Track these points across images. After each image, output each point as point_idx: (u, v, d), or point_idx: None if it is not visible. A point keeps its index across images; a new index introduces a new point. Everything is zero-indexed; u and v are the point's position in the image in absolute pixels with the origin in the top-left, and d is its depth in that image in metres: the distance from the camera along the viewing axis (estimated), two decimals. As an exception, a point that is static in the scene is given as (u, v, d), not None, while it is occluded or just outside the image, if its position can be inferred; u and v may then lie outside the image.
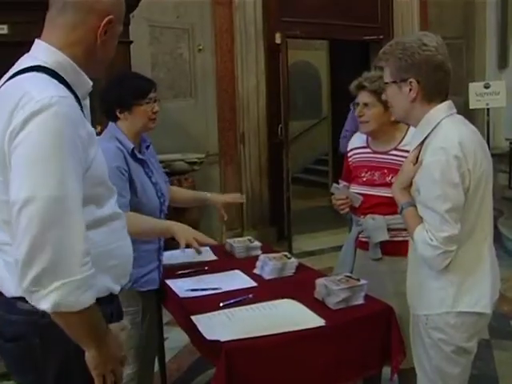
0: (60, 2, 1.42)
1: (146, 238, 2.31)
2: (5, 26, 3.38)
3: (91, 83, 1.51)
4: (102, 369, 1.43)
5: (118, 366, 1.48)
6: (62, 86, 1.38)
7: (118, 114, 2.38)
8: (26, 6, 3.13)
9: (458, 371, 1.89)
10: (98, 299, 1.39)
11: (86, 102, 1.55)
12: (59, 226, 1.27)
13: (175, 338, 3.44)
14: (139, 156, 2.40)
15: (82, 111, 1.46)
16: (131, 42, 3.82)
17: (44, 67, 1.39)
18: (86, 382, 1.46)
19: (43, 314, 1.33)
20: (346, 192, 2.52)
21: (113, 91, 2.38)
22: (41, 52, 1.43)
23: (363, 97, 2.43)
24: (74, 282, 1.28)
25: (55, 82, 1.37)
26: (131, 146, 2.35)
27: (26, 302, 1.34)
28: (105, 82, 2.47)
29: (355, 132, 3.36)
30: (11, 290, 1.43)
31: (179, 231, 2.22)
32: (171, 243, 2.38)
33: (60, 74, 1.40)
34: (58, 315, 1.31)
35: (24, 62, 1.43)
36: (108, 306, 1.52)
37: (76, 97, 1.43)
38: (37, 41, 1.45)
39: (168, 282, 2.41)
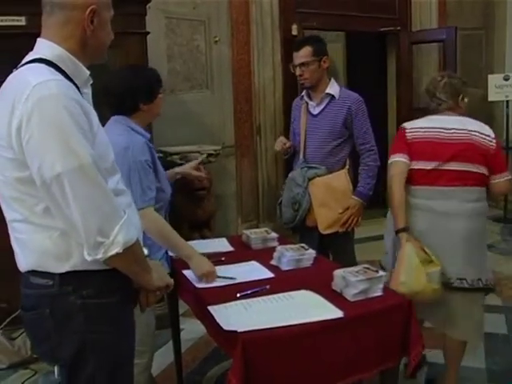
0: (48, 6, 1.57)
1: (162, 244, 2.37)
2: (23, 18, 3.38)
3: (88, 72, 1.64)
4: (152, 287, 1.71)
5: (161, 287, 1.75)
6: (58, 73, 1.50)
7: (141, 106, 2.36)
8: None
9: None
10: (101, 271, 1.55)
11: (88, 91, 1.67)
12: (91, 186, 1.45)
13: (191, 329, 3.46)
14: (152, 145, 2.42)
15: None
16: (148, 33, 3.81)
17: (43, 59, 1.53)
18: (103, 364, 1.58)
19: (51, 286, 1.53)
20: None
21: (135, 83, 2.35)
22: (41, 48, 1.58)
23: None
24: (125, 222, 1.50)
25: (52, 70, 1.50)
26: (148, 135, 2.39)
27: (37, 276, 1.55)
28: (116, 75, 2.45)
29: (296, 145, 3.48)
30: (22, 265, 1.60)
31: (195, 266, 2.33)
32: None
33: (59, 65, 1.54)
34: (124, 255, 1.49)
35: (27, 57, 1.58)
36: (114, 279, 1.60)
37: (75, 85, 1.55)
38: (38, 39, 1.60)
39: (184, 272, 2.41)
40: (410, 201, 2.73)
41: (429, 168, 2.69)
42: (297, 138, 3.43)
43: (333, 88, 3.30)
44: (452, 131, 2.69)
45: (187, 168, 2.83)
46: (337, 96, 3.28)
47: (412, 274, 2.49)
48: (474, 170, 2.65)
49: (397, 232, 2.66)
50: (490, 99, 5.93)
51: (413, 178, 2.73)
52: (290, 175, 3.42)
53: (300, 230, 3.39)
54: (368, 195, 3.29)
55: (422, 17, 6.29)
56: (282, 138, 3.51)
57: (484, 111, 5.83)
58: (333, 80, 3.35)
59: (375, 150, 3.30)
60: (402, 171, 2.72)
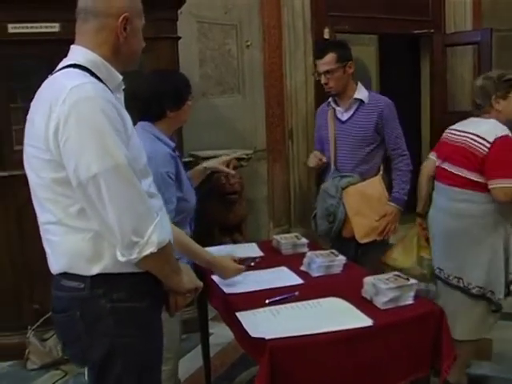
0: (82, 13, 1.63)
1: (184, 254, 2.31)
2: (57, 25, 3.43)
3: (121, 77, 1.67)
4: (183, 289, 1.73)
5: (191, 290, 1.78)
6: (92, 78, 1.54)
7: (168, 112, 2.34)
8: (77, 4, 3.17)
9: None
10: (131, 274, 1.57)
11: (120, 96, 1.70)
12: (126, 186, 1.48)
13: (220, 334, 3.45)
14: (177, 153, 2.39)
15: None
16: (179, 37, 3.83)
17: (77, 64, 1.57)
18: (132, 367, 1.60)
19: (82, 289, 1.55)
20: None
21: (162, 88, 2.31)
22: (75, 54, 1.63)
23: None
24: (158, 222, 1.52)
25: (86, 74, 1.54)
26: (173, 144, 2.35)
27: (68, 279, 1.57)
28: (144, 80, 2.44)
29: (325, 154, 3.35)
30: (54, 267, 1.63)
31: (221, 274, 2.35)
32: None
33: (93, 70, 1.57)
34: (157, 256, 1.51)
35: (62, 63, 1.63)
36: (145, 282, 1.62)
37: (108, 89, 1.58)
38: (72, 46, 1.65)
39: (214, 277, 2.41)
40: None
41: (437, 164, 3.01)
42: (325, 147, 3.33)
43: (361, 93, 3.21)
44: (458, 133, 2.88)
45: (215, 163, 2.77)
46: (366, 101, 3.19)
47: (405, 251, 2.86)
48: (456, 172, 2.82)
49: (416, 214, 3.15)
50: (527, 102, 5.79)
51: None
52: (322, 186, 3.31)
53: (336, 241, 3.26)
54: (404, 200, 3.21)
55: (456, 18, 6.17)
56: (316, 153, 3.35)
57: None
58: (360, 84, 3.25)
59: (407, 154, 3.23)
60: (429, 165, 3.11)
